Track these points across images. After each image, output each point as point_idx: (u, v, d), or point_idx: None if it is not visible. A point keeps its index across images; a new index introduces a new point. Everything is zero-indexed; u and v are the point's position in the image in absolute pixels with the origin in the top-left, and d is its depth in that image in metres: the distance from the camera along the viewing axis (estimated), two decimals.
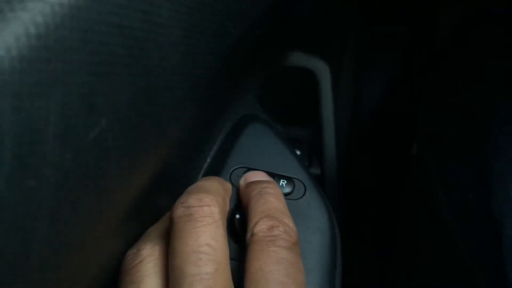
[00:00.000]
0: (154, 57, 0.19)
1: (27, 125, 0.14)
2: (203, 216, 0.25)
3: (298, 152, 0.46)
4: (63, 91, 0.15)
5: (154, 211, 0.29)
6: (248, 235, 0.27)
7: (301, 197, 0.33)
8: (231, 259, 0.28)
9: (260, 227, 0.27)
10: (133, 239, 0.27)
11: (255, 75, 0.42)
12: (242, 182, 0.32)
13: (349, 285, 0.55)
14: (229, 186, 0.31)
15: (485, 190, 0.43)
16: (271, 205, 0.28)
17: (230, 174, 0.33)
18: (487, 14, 0.57)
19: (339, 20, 0.56)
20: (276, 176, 0.33)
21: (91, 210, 0.18)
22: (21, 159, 0.14)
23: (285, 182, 0.33)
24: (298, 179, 0.33)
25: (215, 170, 0.33)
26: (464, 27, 0.60)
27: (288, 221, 0.28)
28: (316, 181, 0.34)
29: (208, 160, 0.34)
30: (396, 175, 0.66)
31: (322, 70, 0.44)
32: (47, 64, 0.15)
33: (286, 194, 0.33)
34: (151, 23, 0.19)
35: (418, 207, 0.59)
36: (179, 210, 0.25)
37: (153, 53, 0.19)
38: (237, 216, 0.31)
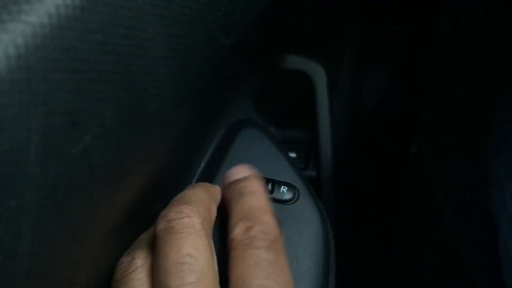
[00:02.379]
0: (140, 71, 0.20)
1: (9, 146, 0.14)
2: (184, 227, 0.25)
3: (294, 155, 0.46)
4: (45, 110, 0.15)
5: (148, 216, 0.29)
6: (228, 241, 0.27)
7: (295, 201, 0.33)
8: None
9: (236, 231, 0.26)
10: (126, 245, 0.27)
11: (251, 79, 0.43)
12: (223, 184, 0.31)
13: (349, 285, 0.56)
14: (217, 191, 0.31)
15: (484, 190, 0.43)
16: (247, 205, 0.28)
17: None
18: (487, 14, 0.57)
19: (337, 20, 0.56)
20: (276, 183, 0.33)
21: (77, 225, 0.18)
22: (2, 179, 0.14)
23: (286, 188, 0.33)
24: (291, 183, 0.33)
25: (209, 175, 0.34)
26: (464, 27, 0.59)
27: (266, 218, 0.27)
28: (310, 185, 0.34)
29: (202, 165, 0.34)
30: (396, 175, 0.66)
31: (318, 72, 0.44)
32: (28, 85, 0.15)
33: (285, 201, 0.33)
34: (136, 39, 0.19)
35: (418, 206, 0.59)
36: (160, 224, 0.25)
37: (139, 67, 0.19)
38: None
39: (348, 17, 0.61)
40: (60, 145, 0.16)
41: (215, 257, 0.26)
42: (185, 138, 0.29)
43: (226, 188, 0.30)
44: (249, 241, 0.26)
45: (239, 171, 0.31)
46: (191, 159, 0.33)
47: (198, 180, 0.34)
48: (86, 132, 0.17)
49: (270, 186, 0.33)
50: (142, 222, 0.28)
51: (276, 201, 0.32)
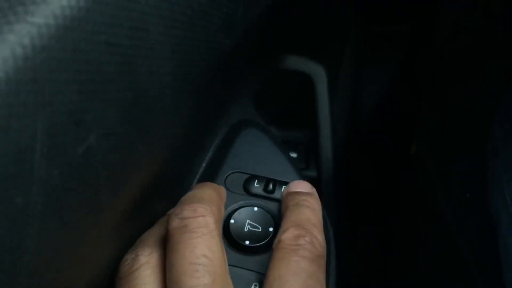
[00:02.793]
0: (143, 72, 0.20)
1: (15, 145, 0.15)
2: (198, 227, 0.25)
3: (294, 155, 0.46)
4: (50, 110, 0.15)
5: (150, 215, 0.29)
6: (275, 241, 0.27)
7: None
8: (230, 265, 0.28)
9: (287, 234, 0.27)
10: (129, 244, 0.27)
11: (251, 79, 0.43)
12: (285, 190, 0.32)
13: (349, 285, 0.56)
14: (223, 191, 0.31)
15: (484, 190, 0.43)
16: (304, 216, 0.29)
17: (225, 179, 0.34)
18: (487, 14, 0.57)
19: (337, 21, 0.56)
20: (277, 183, 0.34)
21: (81, 224, 0.19)
22: (8, 178, 0.15)
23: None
24: None
25: (210, 175, 0.34)
26: (464, 27, 0.60)
27: (318, 233, 0.28)
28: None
29: (204, 164, 0.35)
30: (396, 175, 0.66)
31: (318, 73, 0.44)
32: (34, 85, 0.15)
33: None
34: (139, 40, 0.19)
35: (418, 206, 0.59)
36: (174, 222, 0.25)
37: (142, 68, 0.20)
38: (232, 221, 0.31)
39: (348, 18, 0.61)
40: (65, 144, 0.16)
41: (225, 257, 0.26)
42: (187, 138, 0.30)
43: (287, 196, 0.31)
44: (296, 248, 0.26)
45: (302, 185, 0.32)
46: (193, 159, 0.33)
47: (200, 180, 0.34)
48: (90, 132, 0.17)
49: (271, 186, 0.33)
50: (144, 221, 0.28)
51: (277, 201, 0.33)
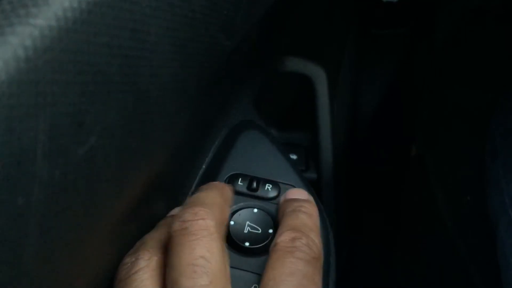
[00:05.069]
0: (144, 73, 0.20)
1: (17, 146, 0.15)
2: (198, 229, 0.25)
3: (294, 157, 0.46)
4: (52, 111, 0.16)
5: (150, 217, 0.29)
6: (272, 244, 0.27)
7: None
8: (231, 267, 0.28)
9: (283, 237, 0.27)
10: (129, 246, 0.27)
11: (251, 81, 0.43)
12: (282, 198, 0.32)
13: (349, 285, 0.56)
14: (229, 193, 0.31)
15: (482, 191, 0.43)
16: (301, 221, 0.29)
17: (226, 181, 0.34)
18: (487, 14, 0.57)
19: (336, 23, 0.56)
20: (261, 181, 0.34)
21: (82, 224, 0.19)
22: (10, 178, 0.15)
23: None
24: (292, 185, 0.34)
25: (210, 177, 0.34)
26: (464, 27, 0.60)
27: (314, 237, 0.28)
28: (311, 187, 0.34)
29: (204, 166, 0.35)
30: (396, 177, 0.66)
31: (319, 75, 0.44)
32: (36, 86, 0.15)
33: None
34: (140, 41, 0.19)
35: (418, 209, 0.59)
36: (175, 225, 0.26)
37: (143, 70, 0.20)
38: (232, 223, 0.31)
39: (348, 20, 0.61)
40: (66, 145, 0.16)
41: (228, 260, 0.26)
42: (187, 140, 0.30)
43: (284, 203, 0.31)
44: (292, 249, 0.26)
45: (299, 193, 0.32)
46: (193, 160, 0.33)
47: (200, 182, 0.34)
48: (91, 133, 0.18)
49: (255, 184, 0.33)
50: (144, 223, 0.28)
51: (263, 199, 0.33)
